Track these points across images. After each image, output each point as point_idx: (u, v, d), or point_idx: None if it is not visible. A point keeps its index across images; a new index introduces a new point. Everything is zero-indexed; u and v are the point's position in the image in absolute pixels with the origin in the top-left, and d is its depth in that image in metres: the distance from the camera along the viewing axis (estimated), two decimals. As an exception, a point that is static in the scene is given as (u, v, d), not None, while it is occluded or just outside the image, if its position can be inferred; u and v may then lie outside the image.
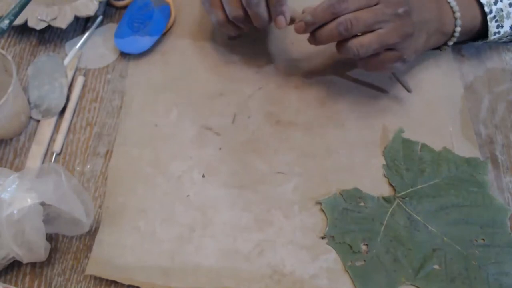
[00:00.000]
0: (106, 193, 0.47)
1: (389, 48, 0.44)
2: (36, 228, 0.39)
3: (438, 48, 0.52)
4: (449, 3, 0.49)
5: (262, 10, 0.46)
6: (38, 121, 0.53)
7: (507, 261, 0.42)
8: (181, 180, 0.48)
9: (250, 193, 0.47)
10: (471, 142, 0.49)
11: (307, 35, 0.47)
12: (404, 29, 0.43)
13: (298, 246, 0.44)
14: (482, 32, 0.52)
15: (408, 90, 0.52)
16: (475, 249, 0.43)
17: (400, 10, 0.43)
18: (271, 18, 0.47)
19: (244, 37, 0.57)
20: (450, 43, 0.51)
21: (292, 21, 0.47)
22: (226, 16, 0.48)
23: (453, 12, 0.49)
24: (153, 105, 0.53)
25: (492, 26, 0.50)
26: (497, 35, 0.51)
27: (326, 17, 0.44)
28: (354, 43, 0.43)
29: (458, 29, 0.49)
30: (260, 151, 0.49)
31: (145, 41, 0.56)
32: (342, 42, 0.45)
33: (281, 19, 0.46)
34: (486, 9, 0.49)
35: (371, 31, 0.43)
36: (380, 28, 0.43)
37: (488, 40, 0.52)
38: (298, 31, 0.46)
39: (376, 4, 0.43)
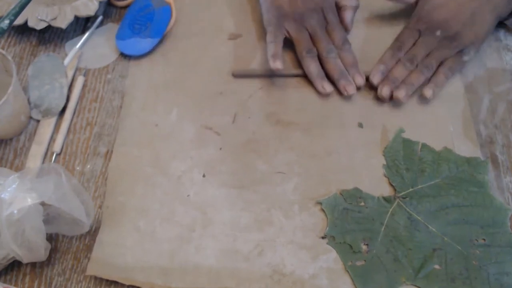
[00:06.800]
0: (106, 193, 0.47)
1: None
2: (36, 228, 0.39)
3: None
4: None
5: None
6: (38, 121, 0.53)
7: (507, 261, 0.42)
8: (181, 180, 0.48)
9: (250, 193, 0.47)
10: (472, 141, 0.49)
11: None
12: (452, 44, 0.50)
13: (298, 246, 0.44)
14: None
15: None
16: (476, 249, 0.43)
17: (438, 33, 0.50)
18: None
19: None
20: None
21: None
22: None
23: None
24: (153, 105, 0.53)
25: None
26: None
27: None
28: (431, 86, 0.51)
29: None
30: (260, 151, 0.49)
31: (146, 43, 0.56)
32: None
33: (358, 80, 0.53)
34: None
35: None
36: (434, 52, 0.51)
37: None
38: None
39: (419, 37, 0.51)
